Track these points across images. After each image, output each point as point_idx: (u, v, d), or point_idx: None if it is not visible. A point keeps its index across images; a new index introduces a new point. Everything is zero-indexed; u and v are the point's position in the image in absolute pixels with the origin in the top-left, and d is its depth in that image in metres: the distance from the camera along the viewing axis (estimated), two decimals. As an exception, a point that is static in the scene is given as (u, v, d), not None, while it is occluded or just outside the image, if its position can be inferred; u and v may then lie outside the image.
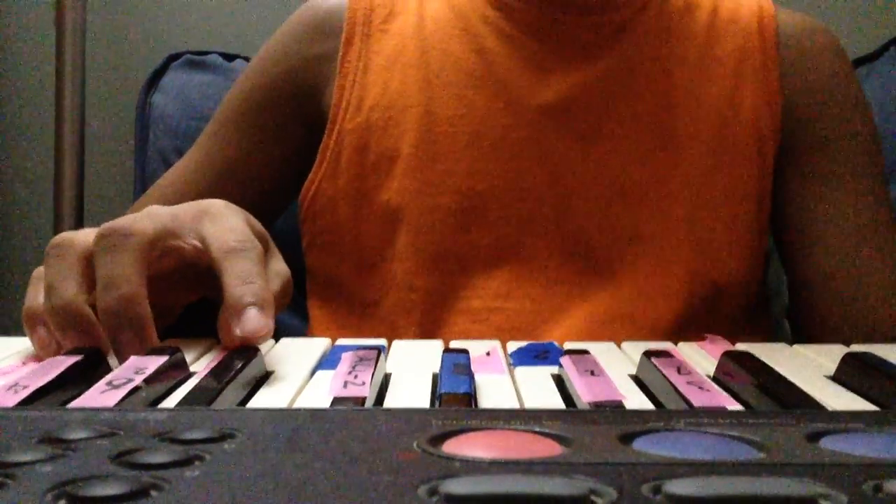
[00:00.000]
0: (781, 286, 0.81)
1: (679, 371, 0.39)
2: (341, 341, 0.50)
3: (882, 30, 1.17)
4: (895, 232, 0.74)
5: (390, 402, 0.38)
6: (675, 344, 0.52)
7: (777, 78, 0.75)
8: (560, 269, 0.71)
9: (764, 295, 0.79)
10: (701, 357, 0.48)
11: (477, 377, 0.41)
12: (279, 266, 0.52)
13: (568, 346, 0.50)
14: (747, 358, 0.42)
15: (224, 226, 0.48)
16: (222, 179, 0.76)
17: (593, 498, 0.21)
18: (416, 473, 0.23)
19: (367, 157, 0.73)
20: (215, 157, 0.77)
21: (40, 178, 1.27)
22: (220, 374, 0.38)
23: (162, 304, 0.52)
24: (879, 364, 0.41)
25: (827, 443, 0.27)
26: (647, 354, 0.42)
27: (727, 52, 0.75)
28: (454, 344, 0.49)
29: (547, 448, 0.26)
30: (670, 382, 0.38)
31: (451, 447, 0.26)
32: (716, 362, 0.43)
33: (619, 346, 0.51)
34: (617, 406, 0.35)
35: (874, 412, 0.36)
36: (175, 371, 0.41)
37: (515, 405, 0.38)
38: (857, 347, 0.50)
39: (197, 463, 0.24)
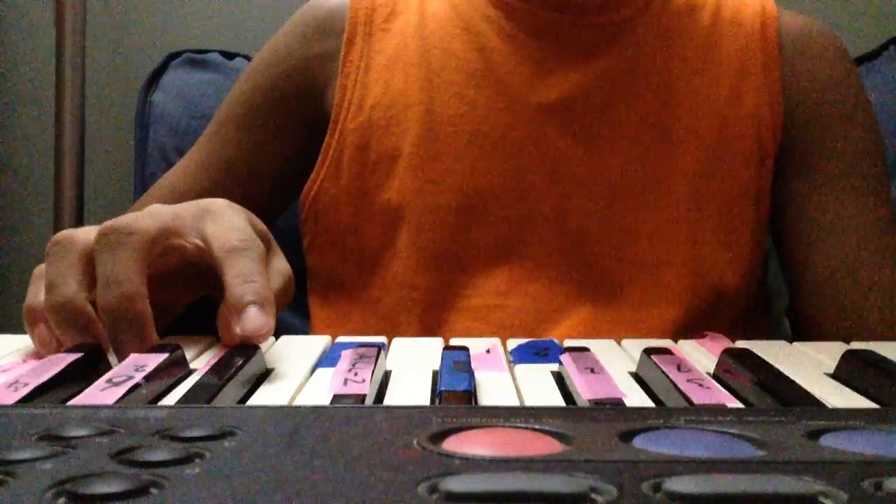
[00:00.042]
0: (781, 286, 0.81)
1: (679, 368, 0.39)
2: (341, 339, 0.50)
3: (882, 30, 1.17)
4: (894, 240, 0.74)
5: (390, 399, 0.38)
6: (676, 342, 0.52)
7: (778, 79, 0.74)
8: (560, 268, 0.71)
9: (764, 295, 0.79)
10: (701, 354, 0.48)
11: (477, 375, 0.41)
12: (281, 264, 0.52)
13: (568, 343, 0.50)
14: (747, 355, 0.42)
15: (226, 225, 0.48)
16: (224, 178, 0.76)
17: (593, 496, 0.21)
18: (415, 471, 0.23)
19: (368, 157, 0.73)
20: (217, 157, 0.77)
21: (40, 178, 1.27)
22: (220, 372, 0.38)
23: (163, 303, 0.53)
24: (879, 362, 0.41)
25: (827, 440, 0.27)
26: (647, 352, 0.42)
27: (729, 52, 0.75)
28: (454, 341, 0.49)
29: (547, 446, 0.26)
30: (670, 380, 0.38)
31: (451, 445, 0.26)
32: (716, 360, 0.43)
33: (619, 343, 0.51)
34: (617, 403, 0.35)
35: (874, 410, 0.36)
36: (175, 368, 0.41)
37: (515, 403, 0.38)
38: (857, 345, 0.50)
39: (197, 461, 0.24)
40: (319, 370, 0.42)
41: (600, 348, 0.46)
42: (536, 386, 0.40)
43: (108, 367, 0.41)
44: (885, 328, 0.71)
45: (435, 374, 0.42)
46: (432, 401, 0.38)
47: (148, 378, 0.37)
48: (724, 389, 0.38)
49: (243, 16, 1.26)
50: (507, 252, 0.71)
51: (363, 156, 0.73)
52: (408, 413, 0.29)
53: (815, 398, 0.36)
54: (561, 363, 0.42)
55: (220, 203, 0.50)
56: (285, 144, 0.77)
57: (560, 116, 0.71)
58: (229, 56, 1.09)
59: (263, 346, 0.44)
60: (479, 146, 0.71)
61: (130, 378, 0.36)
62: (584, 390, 0.36)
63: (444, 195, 0.71)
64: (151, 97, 1.06)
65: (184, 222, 0.49)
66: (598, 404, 0.34)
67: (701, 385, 0.37)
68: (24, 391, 0.35)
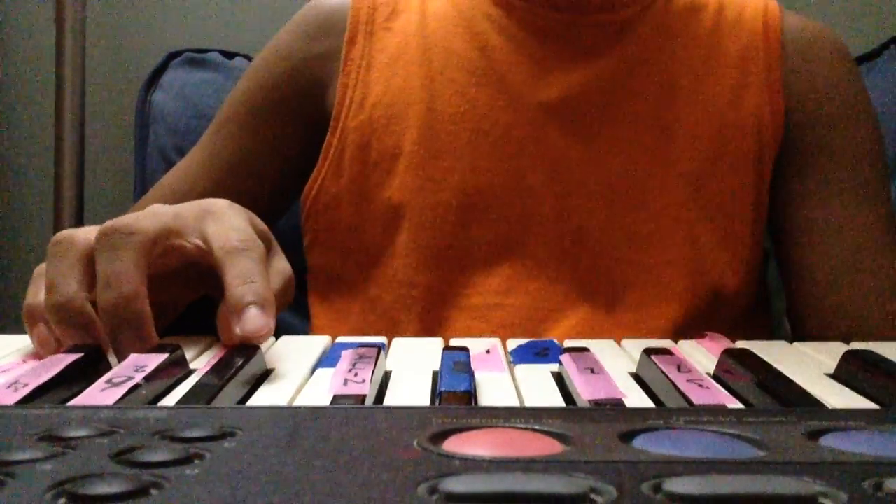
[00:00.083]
0: (782, 286, 0.81)
1: (679, 369, 0.39)
2: (341, 339, 0.50)
3: (882, 29, 1.17)
4: (894, 241, 0.74)
5: (390, 400, 0.38)
6: (676, 342, 0.52)
7: (780, 79, 0.74)
8: (560, 267, 0.71)
9: (764, 295, 0.79)
10: (701, 355, 0.48)
11: (477, 375, 0.41)
12: (281, 265, 0.52)
13: (568, 343, 0.50)
14: (747, 356, 0.42)
15: (226, 225, 0.48)
16: (225, 178, 0.76)
17: (593, 496, 0.21)
18: (415, 471, 0.23)
19: (369, 155, 0.73)
20: (218, 156, 0.77)
21: (40, 178, 1.27)
22: (220, 372, 0.38)
23: (163, 302, 0.53)
24: (879, 362, 0.41)
25: (827, 441, 0.27)
26: (647, 352, 0.42)
27: (731, 53, 0.75)
28: (454, 342, 0.49)
29: (547, 446, 0.26)
30: (670, 380, 0.38)
31: (451, 445, 0.26)
32: (716, 360, 0.43)
33: (618, 343, 0.51)
34: (617, 404, 0.35)
35: (874, 410, 0.36)
36: (175, 369, 0.41)
37: (515, 403, 0.38)
38: (857, 345, 0.50)
39: (197, 461, 0.24)
40: (319, 370, 0.42)
41: (600, 349, 0.46)
42: (536, 386, 0.40)
43: (108, 368, 0.41)
44: (883, 329, 0.71)
45: (435, 374, 0.42)
46: (432, 401, 0.38)
47: (148, 378, 0.37)
48: (723, 390, 0.38)
49: (243, 15, 1.26)
50: (507, 251, 0.71)
51: (364, 154, 0.73)
52: (408, 413, 0.29)
53: (815, 399, 0.36)
54: (561, 363, 0.42)
55: (220, 203, 0.51)
56: (287, 144, 0.77)
57: (561, 115, 0.71)
58: (229, 56, 1.09)
59: (263, 347, 0.44)
60: (480, 145, 0.71)
61: (130, 378, 0.36)
62: (584, 391, 0.36)
63: (445, 193, 0.71)
64: (151, 97, 1.06)
65: (185, 222, 0.49)
66: (597, 405, 0.34)
67: (701, 385, 0.37)
68: (24, 391, 0.35)
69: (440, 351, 0.44)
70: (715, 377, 0.42)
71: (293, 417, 0.28)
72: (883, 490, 0.22)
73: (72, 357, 0.40)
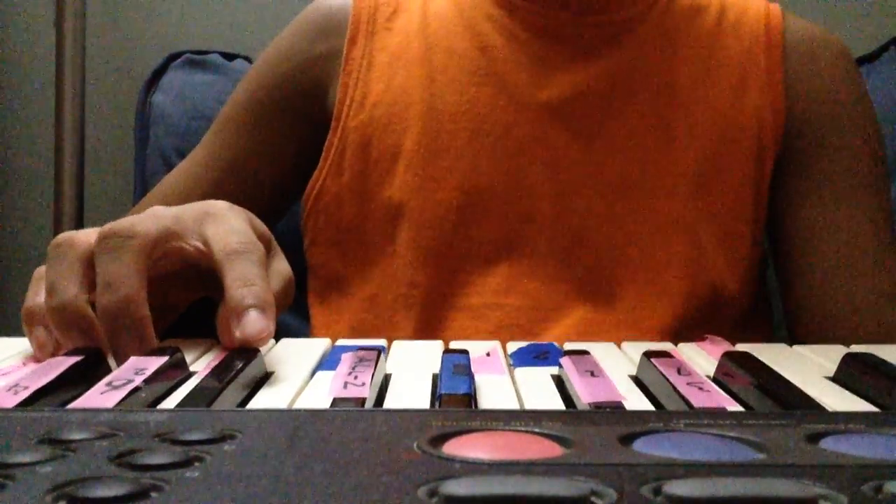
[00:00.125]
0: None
1: (679, 372, 0.39)
2: (341, 342, 0.50)
3: (882, 30, 1.17)
4: (892, 246, 0.74)
5: (390, 402, 0.38)
6: (676, 344, 0.52)
7: (781, 82, 0.75)
8: (559, 267, 0.71)
9: (764, 295, 0.79)
10: (701, 358, 0.48)
11: (477, 378, 0.41)
12: (281, 266, 0.52)
13: (568, 346, 0.50)
14: (747, 358, 0.42)
15: (226, 227, 0.48)
16: (227, 178, 0.77)
17: (593, 499, 0.21)
18: (416, 474, 0.23)
19: (370, 154, 0.73)
20: (220, 156, 0.78)
21: (40, 178, 1.27)
22: (220, 375, 0.38)
23: (164, 304, 0.53)
24: (879, 365, 0.41)
25: (827, 444, 0.27)
26: (647, 355, 0.42)
27: (732, 54, 0.75)
28: (454, 344, 0.49)
29: (547, 449, 0.26)
30: (670, 383, 0.38)
31: (451, 448, 0.26)
32: (716, 363, 0.43)
33: (618, 346, 0.51)
34: (617, 407, 0.35)
35: (874, 413, 0.36)
36: (175, 371, 0.41)
37: (515, 406, 0.38)
38: (857, 348, 0.50)
39: (197, 464, 0.24)
40: (319, 373, 0.42)
41: (600, 351, 0.46)
42: (536, 389, 0.40)
43: (108, 371, 0.41)
44: (878, 332, 0.71)
45: (435, 377, 0.42)
46: (432, 404, 0.38)
47: (148, 381, 0.37)
48: (723, 393, 0.38)
49: (244, 17, 1.26)
50: (507, 250, 0.71)
51: (365, 154, 0.73)
52: (408, 416, 0.29)
53: (815, 401, 0.36)
54: (561, 366, 0.42)
55: (220, 205, 0.51)
56: (288, 144, 0.77)
57: (561, 115, 0.71)
58: (229, 57, 1.09)
59: (263, 349, 0.44)
60: (480, 144, 0.71)
61: (130, 381, 0.36)
62: (584, 393, 0.36)
63: (445, 193, 0.71)
64: (151, 98, 1.06)
65: (185, 225, 0.49)
66: (598, 408, 0.34)
67: (701, 388, 0.37)
68: (24, 394, 0.35)
69: (440, 353, 0.44)
70: (715, 380, 0.42)
71: (293, 420, 0.28)
72: (882, 493, 0.22)
73: (72, 360, 0.40)
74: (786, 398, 0.36)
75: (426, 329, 0.71)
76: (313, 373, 0.43)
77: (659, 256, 0.71)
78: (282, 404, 0.37)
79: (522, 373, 0.43)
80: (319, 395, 0.39)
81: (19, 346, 0.49)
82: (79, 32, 1.17)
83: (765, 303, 0.79)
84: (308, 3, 0.80)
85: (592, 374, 0.39)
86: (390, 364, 0.46)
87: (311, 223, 0.76)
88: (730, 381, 0.40)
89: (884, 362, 0.41)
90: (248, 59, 1.07)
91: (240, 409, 0.36)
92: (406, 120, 0.72)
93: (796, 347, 0.52)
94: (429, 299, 0.71)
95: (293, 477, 0.23)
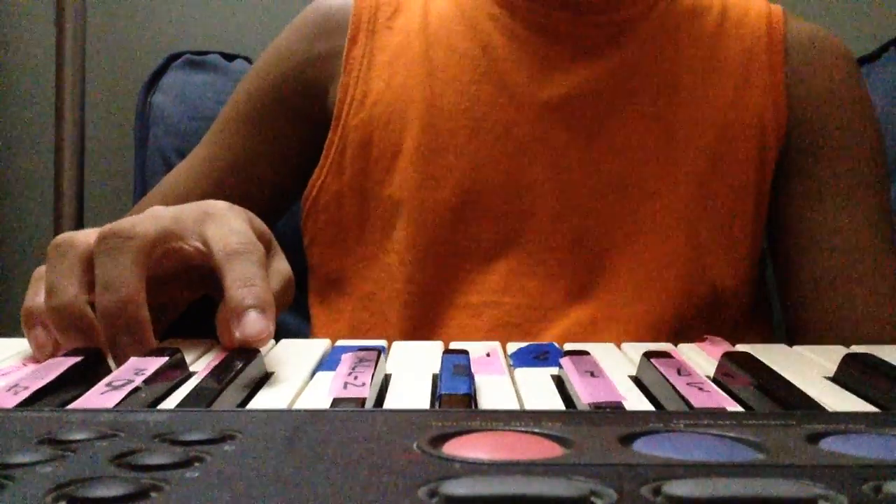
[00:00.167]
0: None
1: (679, 372, 0.39)
2: (341, 342, 0.50)
3: (882, 30, 1.17)
4: (891, 250, 0.74)
5: (390, 403, 0.38)
6: (675, 343, 0.52)
7: (783, 82, 0.75)
8: (558, 265, 0.71)
9: (764, 295, 0.79)
10: (701, 358, 0.48)
11: (477, 378, 0.41)
12: (281, 265, 0.53)
13: (568, 347, 0.50)
14: (747, 359, 0.42)
15: (226, 227, 0.48)
16: (226, 178, 0.77)
17: (593, 499, 0.21)
18: (416, 474, 0.23)
19: (370, 153, 0.73)
20: (220, 156, 0.78)
21: (40, 178, 1.27)
22: (219, 376, 0.38)
23: (163, 303, 0.53)
24: (879, 365, 0.41)
25: (827, 444, 0.27)
26: (647, 355, 0.42)
27: (734, 54, 0.75)
28: (454, 345, 0.49)
29: (547, 449, 0.26)
30: (670, 383, 0.38)
31: (451, 448, 0.26)
32: (716, 363, 0.43)
33: (618, 346, 0.51)
34: (617, 407, 0.35)
35: (874, 413, 0.36)
36: (175, 372, 0.41)
37: (515, 406, 0.38)
38: (857, 348, 0.50)
39: (197, 464, 0.24)
40: (319, 374, 0.42)
41: (600, 352, 0.46)
42: (536, 389, 0.40)
43: (108, 371, 0.41)
44: (877, 334, 0.71)
45: (435, 377, 0.42)
46: (432, 404, 0.38)
47: (148, 381, 0.37)
48: (723, 393, 0.38)
49: (244, 17, 1.26)
50: (506, 248, 0.71)
51: (365, 152, 0.73)
52: (408, 417, 0.29)
53: (815, 402, 0.36)
54: (561, 366, 0.42)
55: (220, 205, 0.51)
56: (288, 144, 0.77)
57: (562, 114, 0.72)
58: (229, 58, 1.09)
59: (263, 350, 0.44)
60: (481, 142, 0.71)
61: (130, 381, 0.36)
62: (584, 394, 0.36)
63: (444, 191, 0.71)
64: (151, 98, 1.06)
65: (184, 225, 0.49)
66: (598, 408, 0.34)
67: (701, 389, 0.37)
68: (25, 395, 0.35)
69: (440, 354, 0.44)
70: (715, 380, 0.42)
71: (293, 421, 0.28)
72: (882, 493, 0.22)
73: (72, 360, 0.40)
74: (786, 398, 0.36)
75: (424, 327, 0.71)
76: (313, 373, 0.43)
77: (658, 256, 0.71)
78: (282, 405, 0.37)
79: (522, 373, 0.43)
80: (319, 395, 0.39)
81: (19, 346, 0.49)
82: (79, 32, 1.17)
83: (765, 303, 0.79)
84: (308, 3, 0.80)
85: (592, 374, 0.39)
86: (390, 364, 0.46)
87: (311, 222, 0.76)
88: (730, 382, 0.41)
89: (884, 362, 0.41)
90: (248, 60, 1.07)
91: (240, 409, 0.36)
92: (406, 118, 0.72)
93: (796, 348, 0.52)
94: (427, 297, 0.71)
95: (293, 477, 0.23)
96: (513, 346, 0.49)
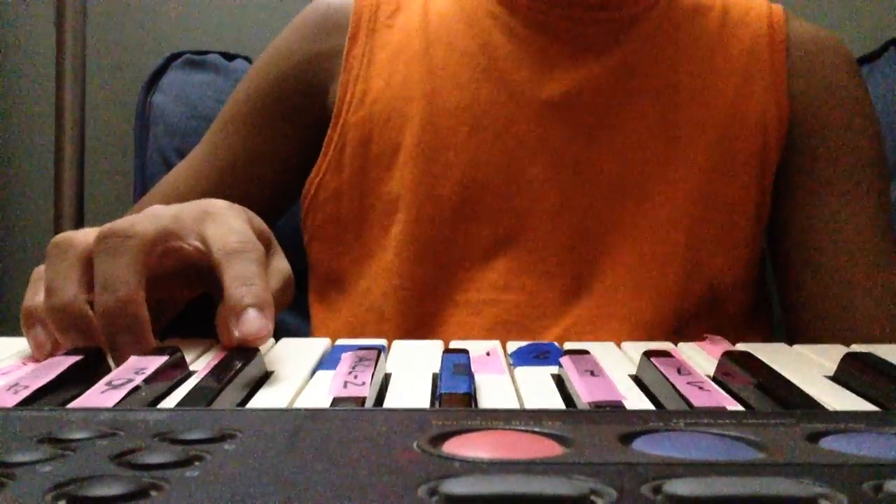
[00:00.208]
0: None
1: (679, 371, 0.39)
2: (341, 341, 0.50)
3: (882, 30, 1.17)
4: (891, 251, 0.74)
5: (390, 402, 0.38)
6: (675, 342, 0.52)
7: (784, 82, 0.75)
8: (558, 263, 0.71)
9: (764, 295, 0.79)
10: (701, 357, 0.48)
11: (477, 377, 0.41)
12: (281, 264, 0.53)
13: (568, 346, 0.50)
14: (747, 358, 0.42)
15: (225, 227, 0.48)
16: (227, 177, 0.77)
17: (593, 498, 0.21)
18: (415, 473, 0.23)
19: (370, 150, 0.73)
20: (220, 155, 0.78)
21: (40, 178, 1.27)
22: (219, 375, 0.38)
23: (163, 301, 0.53)
24: (879, 364, 0.41)
25: (827, 443, 0.27)
26: (647, 354, 0.42)
27: (735, 53, 0.75)
28: (454, 344, 0.49)
29: (547, 448, 0.26)
30: (670, 382, 0.38)
31: (451, 447, 0.26)
32: (716, 362, 0.43)
33: (618, 346, 0.51)
34: (617, 406, 0.35)
35: (874, 412, 0.36)
36: (175, 371, 0.41)
37: (515, 405, 0.38)
38: (857, 348, 0.50)
39: (197, 463, 0.24)
40: (319, 373, 0.42)
41: (600, 351, 0.46)
42: (536, 388, 0.40)
43: (108, 370, 0.41)
44: (876, 334, 0.71)
45: (435, 376, 0.42)
46: (432, 403, 0.38)
47: (148, 380, 0.37)
48: (723, 392, 0.38)
49: (244, 17, 1.26)
50: (505, 246, 0.72)
51: (365, 149, 0.73)
52: (408, 416, 0.29)
53: (815, 401, 0.36)
54: (561, 366, 0.42)
55: (219, 204, 0.51)
56: (288, 143, 0.77)
57: (562, 112, 0.72)
58: (229, 57, 1.09)
59: (263, 349, 0.44)
60: (480, 140, 0.71)
61: (130, 381, 0.36)
62: (584, 393, 0.36)
63: (444, 187, 0.71)
64: (151, 98, 1.06)
65: (183, 224, 0.49)
66: (598, 407, 0.34)
67: (701, 388, 0.37)
68: (25, 394, 0.35)
69: (440, 353, 0.44)
70: (715, 379, 0.42)
71: (293, 420, 0.28)
72: (883, 492, 0.22)
73: (72, 359, 0.40)
74: (786, 397, 0.36)
75: (423, 324, 0.71)
76: (313, 372, 0.43)
77: (658, 254, 0.71)
78: (282, 404, 0.37)
79: (522, 372, 0.43)
80: (319, 394, 0.39)
81: (19, 345, 0.49)
82: (79, 32, 1.17)
83: (765, 302, 0.79)
84: (308, 2, 0.80)
85: (592, 373, 0.39)
86: (390, 363, 0.46)
87: (310, 219, 0.77)
88: (730, 381, 0.40)
89: (884, 361, 0.41)
90: (248, 59, 1.07)
91: (240, 408, 0.36)
92: (406, 116, 0.72)
93: (796, 347, 0.52)
94: (426, 294, 0.71)
95: (293, 476, 0.23)
96: (513, 346, 0.49)
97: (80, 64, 1.17)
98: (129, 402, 0.34)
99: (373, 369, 0.39)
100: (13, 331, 0.51)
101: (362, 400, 0.35)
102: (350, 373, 0.38)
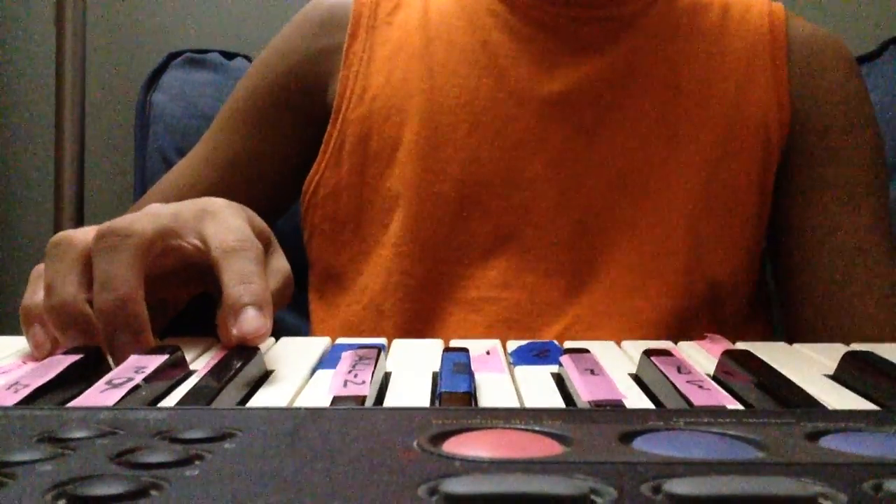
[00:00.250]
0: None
1: (679, 370, 0.39)
2: (341, 340, 0.50)
3: (882, 30, 1.17)
4: (890, 252, 0.74)
5: (390, 401, 0.38)
6: (674, 340, 0.52)
7: (785, 81, 0.74)
8: (557, 261, 0.71)
9: (764, 294, 0.79)
10: (701, 356, 0.48)
11: (477, 376, 0.41)
12: (280, 263, 0.52)
13: (568, 344, 0.50)
14: (747, 357, 0.41)
15: (224, 225, 0.48)
16: (227, 176, 0.77)
17: (593, 497, 0.21)
18: (416, 472, 0.23)
19: (369, 147, 0.73)
20: (220, 154, 0.78)
21: (40, 178, 1.27)
22: (219, 374, 0.38)
23: (163, 300, 0.53)
24: (879, 363, 0.41)
25: (827, 442, 0.27)
26: (647, 353, 0.42)
27: (736, 51, 0.75)
28: (454, 343, 0.49)
29: (547, 447, 0.26)
30: (670, 381, 0.38)
31: (451, 446, 0.26)
32: (716, 361, 0.43)
33: (618, 344, 0.51)
34: (617, 405, 0.35)
35: (874, 411, 0.35)
36: (175, 370, 0.41)
37: (515, 404, 0.38)
38: (857, 346, 0.50)
39: (197, 462, 0.24)
40: (319, 372, 0.42)
41: (600, 350, 0.46)
42: (536, 387, 0.40)
43: (108, 369, 0.41)
44: (875, 335, 0.71)
45: (435, 375, 0.42)
46: (432, 402, 0.38)
47: (148, 379, 0.37)
48: (723, 391, 0.38)
49: (243, 16, 1.26)
50: (505, 244, 0.71)
51: (364, 146, 0.73)
52: (408, 414, 0.29)
53: (815, 400, 0.36)
54: (561, 364, 0.42)
55: (218, 203, 0.51)
56: (288, 141, 0.78)
57: (562, 109, 0.72)
58: (229, 56, 1.09)
59: (263, 348, 0.44)
60: (480, 137, 0.71)
61: (130, 379, 0.36)
62: (584, 392, 0.36)
63: (443, 184, 0.71)
64: (151, 97, 1.06)
65: (182, 223, 0.49)
66: (598, 406, 0.34)
67: (701, 387, 0.37)
68: (24, 392, 0.35)
69: (440, 352, 0.44)
70: (715, 378, 0.42)
71: (293, 419, 0.28)
72: (882, 491, 0.22)
73: (72, 358, 0.40)
74: (786, 396, 0.36)
75: (422, 322, 0.71)
76: (313, 371, 0.43)
77: (658, 252, 0.71)
78: (282, 403, 0.37)
79: (522, 371, 0.43)
80: (319, 393, 0.39)
81: (18, 344, 0.49)
82: (79, 32, 1.17)
83: (765, 302, 0.79)
84: (306, 1, 0.80)
85: (592, 372, 0.39)
86: (390, 362, 0.46)
87: (310, 216, 0.77)
88: (730, 380, 0.40)
89: (884, 360, 0.41)
90: (248, 58, 1.07)
91: (240, 407, 0.36)
92: (406, 112, 0.72)
93: (796, 346, 0.52)
94: (425, 292, 0.71)
95: (293, 475, 0.23)
96: (513, 344, 0.49)
97: (80, 63, 1.17)
98: (128, 402, 0.34)
99: (373, 368, 0.39)
100: (13, 330, 0.51)
101: (362, 399, 0.35)
102: (350, 372, 0.38)
